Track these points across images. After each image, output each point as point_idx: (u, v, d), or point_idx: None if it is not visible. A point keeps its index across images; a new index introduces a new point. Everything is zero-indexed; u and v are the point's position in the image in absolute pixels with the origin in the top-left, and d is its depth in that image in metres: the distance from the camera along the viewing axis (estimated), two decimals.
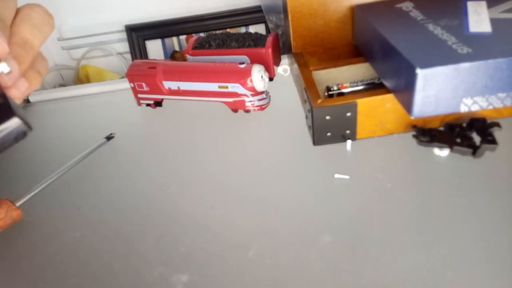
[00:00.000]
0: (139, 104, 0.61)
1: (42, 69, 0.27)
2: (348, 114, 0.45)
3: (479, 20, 0.41)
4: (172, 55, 0.62)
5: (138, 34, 0.87)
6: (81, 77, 0.89)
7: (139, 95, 0.60)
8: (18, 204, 0.44)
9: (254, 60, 0.57)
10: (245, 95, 0.53)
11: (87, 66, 0.88)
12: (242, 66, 0.52)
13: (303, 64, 0.53)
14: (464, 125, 0.45)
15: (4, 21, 0.23)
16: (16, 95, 0.24)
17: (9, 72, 0.23)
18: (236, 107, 0.55)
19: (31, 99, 0.71)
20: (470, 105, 0.38)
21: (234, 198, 0.43)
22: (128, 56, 0.88)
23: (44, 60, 0.27)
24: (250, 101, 0.54)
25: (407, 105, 0.39)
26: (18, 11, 0.25)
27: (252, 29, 0.87)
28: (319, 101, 0.45)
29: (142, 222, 0.42)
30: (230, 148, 0.51)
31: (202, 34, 0.85)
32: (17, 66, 0.23)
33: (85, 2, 0.83)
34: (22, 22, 0.25)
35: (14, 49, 0.24)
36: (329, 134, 0.47)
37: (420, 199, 0.40)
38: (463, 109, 0.38)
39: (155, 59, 0.61)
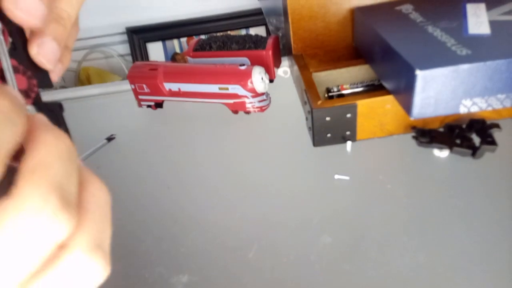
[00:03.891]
0: (140, 105, 0.61)
1: (71, 42, 0.23)
2: (348, 115, 0.45)
3: (478, 22, 0.42)
4: (173, 57, 0.62)
5: (139, 36, 0.87)
6: (82, 79, 0.89)
7: (140, 97, 0.60)
8: None
9: (255, 62, 0.57)
10: (246, 96, 0.53)
11: (88, 68, 0.88)
12: (243, 68, 0.52)
13: (303, 66, 0.53)
14: (464, 126, 0.45)
15: None
16: (53, 79, 0.22)
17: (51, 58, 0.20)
18: (236, 109, 0.55)
19: None
20: (470, 106, 0.38)
21: (234, 199, 0.43)
22: (129, 58, 0.89)
23: (74, 28, 0.23)
24: (251, 103, 0.54)
25: (407, 106, 0.39)
26: None
27: (253, 31, 0.87)
28: (319, 102, 0.45)
29: (143, 223, 0.42)
30: (230, 149, 0.51)
31: (202, 36, 0.85)
32: (58, 50, 0.20)
33: (86, 5, 0.84)
34: None
35: (53, 28, 0.20)
36: (329, 135, 0.47)
37: (420, 200, 0.40)
38: (463, 110, 0.38)
39: (156, 61, 0.61)
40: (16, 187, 0.16)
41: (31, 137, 0.18)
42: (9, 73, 0.19)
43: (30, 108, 0.19)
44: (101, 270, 0.18)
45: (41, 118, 0.19)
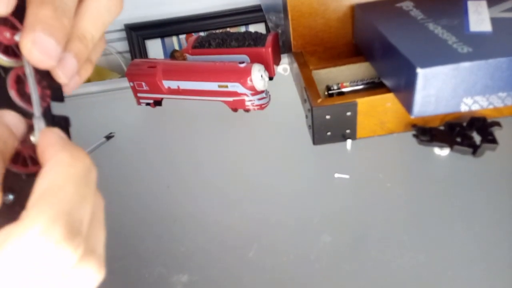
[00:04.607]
0: (139, 103, 0.61)
1: (95, 56, 0.23)
2: (348, 113, 0.45)
3: (479, 20, 0.41)
4: (172, 55, 0.62)
5: (138, 33, 0.87)
6: None
7: (139, 95, 0.60)
8: None
9: (254, 59, 0.57)
10: (245, 94, 0.53)
11: None
12: (242, 65, 0.52)
13: (303, 64, 0.53)
14: (465, 124, 0.45)
15: (65, 14, 0.19)
16: (65, 90, 0.22)
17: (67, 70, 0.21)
18: (236, 107, 0.55)
19: None
20: (471, 104, 0.38)
21: (234, 198, 0.43)
22: (128, 55, 0.88)
23: (99, 45, 0.23)
24: (250, 101, 0.54)
25: (407, 104, 0.39)
26: None
27: (252, 28, 0.87)
28: (319, 100, 0.45)
29: (142, 222, 0.42)
30: (229, 148, 0.51)
31: (202, 34, 0.85)
32: (76, 65, 0.20)
33: None
34: (87, 13, 0.21)
35: (75, 46, 0.20)
36: (329, 133, 0.47)
37: (420, 198, 0.40)
38: (464, 108, 0.38)
39: (155, 59, 0.61)
40: (26, 211, 0.15)
41: (46, 154, 0.17)
42: (31, 79, 0.19)
43: (40, 120, 0.19)
44: (95, 274, 0.18)
45: (57, 132, 0.18)
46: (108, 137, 0.56)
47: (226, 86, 0.53)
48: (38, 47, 0.18)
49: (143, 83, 0.58)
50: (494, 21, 0.40)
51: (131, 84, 0.59)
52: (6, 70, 0.19)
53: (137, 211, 0.44)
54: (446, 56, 0.36)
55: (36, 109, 0.19)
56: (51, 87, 0.21)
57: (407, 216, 0.38)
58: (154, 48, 0.88)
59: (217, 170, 0.48)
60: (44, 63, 0.18)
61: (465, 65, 0.35)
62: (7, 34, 0.19)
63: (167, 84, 0.57)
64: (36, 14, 0.18)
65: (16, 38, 0.19)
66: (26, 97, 0.19)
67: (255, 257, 0.36)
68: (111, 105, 0.66)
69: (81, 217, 0.16)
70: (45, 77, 0.20)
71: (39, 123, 0.19)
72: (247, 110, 0.55)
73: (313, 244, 0.37)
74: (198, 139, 0.54)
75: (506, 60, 0.35)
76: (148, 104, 0.60)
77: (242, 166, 0.48)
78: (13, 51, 0.19)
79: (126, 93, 0.64)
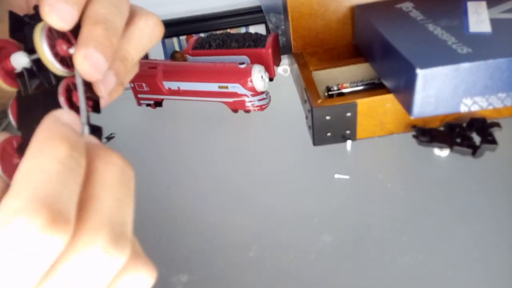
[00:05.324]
0: (139, 104, 0.61)
1: (127, 80, 0.25)
2: (348, 114, 0.45)
3: (479, 20, 0.41)
4: (172, 55, 0.62)
5: None
6: None
7: (139, 95, 0.60)
8: None
9: (254, 60, 0.57)
10: (245, 95, 0.53)
11: None
12: (242, 66, 0.52)
13: (303, 64, 0.53)
14: (464, 125, 0.45)
15: (115, 34, 0.21)
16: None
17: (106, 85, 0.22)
18: (236, 107, 0.55)
19: None
20: (470, 105, 0.38)
21: (234, 198, 0.43)
22: None
23: (133, 69, 0.25)
24: (250, 101, 0.54)
25: (407, 105, 0.39)
26: (130, 19, 0.23)
27: (252, 29, 0.87)
28: (319, 101, 0.45)
29: (142, 222, 0.42)
30: (230, 149, 0.51)
31: (202, 35, 0.85)
32: (115, 82, 0.22)
33: None
34: (132, 37, 0.23)
35: (117, 65, 0.22)
36: (329, 134, 0.47)
37: (420, 199, 0.40)
38: (463, 109, 0.38)
39: (155, 59, 0.61)
40: (76, 227, 0.16)
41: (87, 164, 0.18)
42: (81, 88, 0.21)
43: (86, 127, 0.21)
44: (146, 276, 0.19)
45: (90, 140, 0.20)
46: (109, 138, 0.56)
47: (226, 87, 0.53)
48: (89, 61, 0.20)
49: (144, 84, 0.58)
50: (493, 22, 0.41)
51: (131, 85, 0.59)
52: (58, 78, 0.21)
53: (137, 211, 0.43)
54: (445, 56, 0.36)
55: (83, 116, 0.21)
56: (90, 99, 0.22)
57: (407, 216, 0.38)
58: (155, 49, 0.88)
59: (217, 170, 0.48)
60: (92, 76, 0.20)
61: (465, 65, 0.35)
62: (64, 47, 0.21)
63: (167, 85, 0.57)
64: (90, 32, 0.20)
65: (71, 51, 0.21)
66: (72, 105, 0.21)
67: (255, 257, 0.37)
68: (111, 106, 0.66)
69: (122, 221, 0.18)
70: (87, 89, 0.22)
71: (85, 129, 0.21)
72: (247, 111, 0.55)
73: (313, 244, 0.37)
74: (198, 139, 0.54)
75: (505, 60, 0.35)
76: (148, 105, 0.60)
77: (242, 167, 0.48)
78: (66, 62, 0.21)
79: (127, 94, 0.64)
